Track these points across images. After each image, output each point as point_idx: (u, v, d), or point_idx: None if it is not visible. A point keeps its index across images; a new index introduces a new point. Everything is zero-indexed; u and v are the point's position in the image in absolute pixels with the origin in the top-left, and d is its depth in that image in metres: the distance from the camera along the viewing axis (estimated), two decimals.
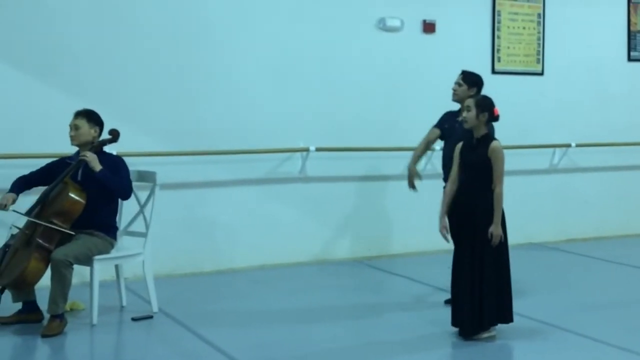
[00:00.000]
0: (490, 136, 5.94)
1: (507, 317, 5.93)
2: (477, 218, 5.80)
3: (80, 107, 6.32)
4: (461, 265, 5.88)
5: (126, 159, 6.48)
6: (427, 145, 7.01)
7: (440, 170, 6.98)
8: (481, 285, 5.77)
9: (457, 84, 6.78)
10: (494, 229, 5.74)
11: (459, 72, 6.85)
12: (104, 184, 6.07)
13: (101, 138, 6.28)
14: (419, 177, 6.90)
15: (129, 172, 6.30)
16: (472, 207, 5.83)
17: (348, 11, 8.69)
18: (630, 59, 10.41)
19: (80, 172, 6.16)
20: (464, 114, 5.91)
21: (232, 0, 8.14)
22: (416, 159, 6.94)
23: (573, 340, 5.92)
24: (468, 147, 5.95)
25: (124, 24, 7.68)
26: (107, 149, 6.47)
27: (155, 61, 7.81)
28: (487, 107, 5.87)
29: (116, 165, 6.22)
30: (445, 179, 6.55)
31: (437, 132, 6.93)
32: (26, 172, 6.41)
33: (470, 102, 5.92)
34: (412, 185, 6.90)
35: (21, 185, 6.30)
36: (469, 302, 5.78)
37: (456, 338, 5.86)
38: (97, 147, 6.20)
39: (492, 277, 5.79)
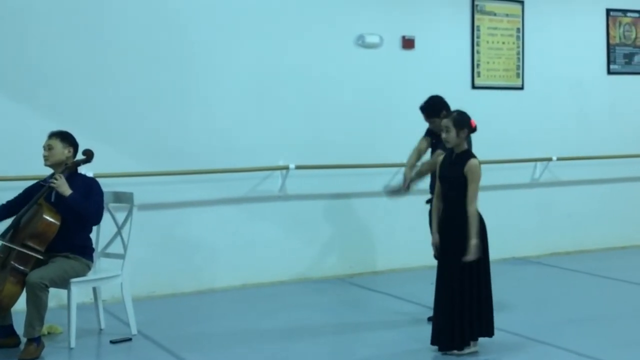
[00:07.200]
0: (469, 153, 5.86)
1: (489, 331, 5.87)
2: (455, 231, 5.74)
3: (56, 129, 6.24)
4: (443, 280, 5.83)
5: (104, 180, 6.42)
6: (418, 155, 6.89)
7: (424, 187, 6.94)
8: (462, 298, 5.71)
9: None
10: (471, 245, 5.60)
11: (421, 112, 6.85)
12: (73, 209, 5.98)
13: (76, 158, 6.21)
14: (414, 182, 6.84)
15: (102, 195, 6.21)
16: (450, 221, 5.79)
17: (326, 28, 8.66)
18: (609, 72, 10.43)
19: (53, 193, 6.06)
20: (444, 135, 5.81)
21: (211, 19, 8.10)
22: (410, 166, 6.84)
23: (557, 355, 5.89)
24: (447, 161, 5.90)
25: (100, 45, 7.60)
26: (83, 169, 6.38)
27: (132, 81, 7.75)
28: (464, 123, 5.81)
29: (89, 187, 6.13)
30: (431, 191, 6.50)
31: (428, 140, 6.85)
32: (2, 194, 6.34)
33: (447, 122, 5.80)
34: (406, 188, 6.80)
35: (3, 211, 6.24)
36: (448, 317, 5.72)
37: (437, 353, 5.81)
38: (70, 168, 6.12)
39: (473, 290, 5.73)
